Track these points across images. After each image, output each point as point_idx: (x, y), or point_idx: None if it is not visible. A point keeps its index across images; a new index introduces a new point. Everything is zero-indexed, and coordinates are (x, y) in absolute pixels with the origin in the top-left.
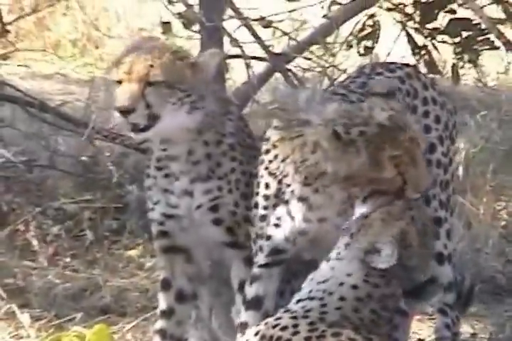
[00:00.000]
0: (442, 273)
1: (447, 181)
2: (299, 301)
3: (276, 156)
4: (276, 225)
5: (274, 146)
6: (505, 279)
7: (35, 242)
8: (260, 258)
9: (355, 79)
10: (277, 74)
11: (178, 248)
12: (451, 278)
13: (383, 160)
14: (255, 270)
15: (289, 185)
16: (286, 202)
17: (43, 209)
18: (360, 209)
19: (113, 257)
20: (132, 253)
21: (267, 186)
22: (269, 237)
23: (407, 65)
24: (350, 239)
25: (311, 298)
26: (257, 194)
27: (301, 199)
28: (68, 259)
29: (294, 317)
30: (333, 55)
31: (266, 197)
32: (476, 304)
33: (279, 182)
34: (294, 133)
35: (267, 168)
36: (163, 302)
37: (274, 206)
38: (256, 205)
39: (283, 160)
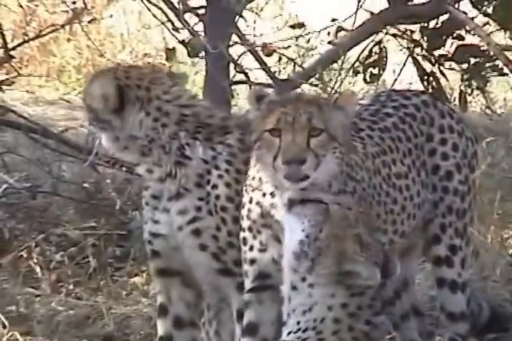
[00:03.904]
0: (454, 301)
1: (464, 210)
2: (289, 333)
3: (254, 165)
4: (261, 250)
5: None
6: None
7: (38, 269)
8: (247, 283)
9: (368, 107)
10: None
11: (173, 271)
12: (463, 307)
13: (272, 110)
14: (245, 295)
15: (260, 205)
16: (270, 227)
17: (46, 236)
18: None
19: (116, 284)
20: (136, 280)
21: (243, 205)
22: (252, 261)
23: (424, 93)
24: (312, 263)
25: (304, 330)
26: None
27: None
28: (71, 286)
29: None
30: (332, 87)
31: (242, 218)
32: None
33: (250, 200)
34: None
35: (245, 185)
36: (161, 328)
37: (251, 229)
38: (240, 227)
39: (254, 166)
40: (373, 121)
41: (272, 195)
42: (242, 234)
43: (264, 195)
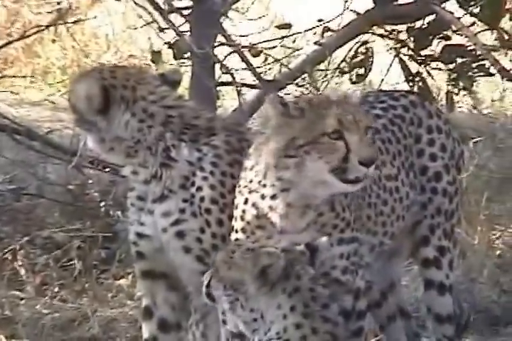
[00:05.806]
0: (442, 303)
1: (452, 211)
2: None
3: (250, 168)
4: None
5: (249, 156)
6: (501, 309)
7: (22, 272)
8: None
9: None
10: None
11: (158, 273)
12: (450, 309)
13: (326, 113)
14: None
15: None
16: (264, 228)
17: (31, 238)
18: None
19: (102, 287)
20: (121, 282)
21: (236, 206)
22: None
23: (412, 93)
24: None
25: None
26: None
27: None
28: (56, 289)
29: None
30: (318, 87)
31: (235, 219)
32: (472, 335)
33: (245, 202)
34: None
35: (239, 186)
36: (146, 331)
37: (245, 230)
38: (232, 228)
39: (251, 169)
40: None
41: (274, 197)
42: (234, 235)
43: (262, 197)
